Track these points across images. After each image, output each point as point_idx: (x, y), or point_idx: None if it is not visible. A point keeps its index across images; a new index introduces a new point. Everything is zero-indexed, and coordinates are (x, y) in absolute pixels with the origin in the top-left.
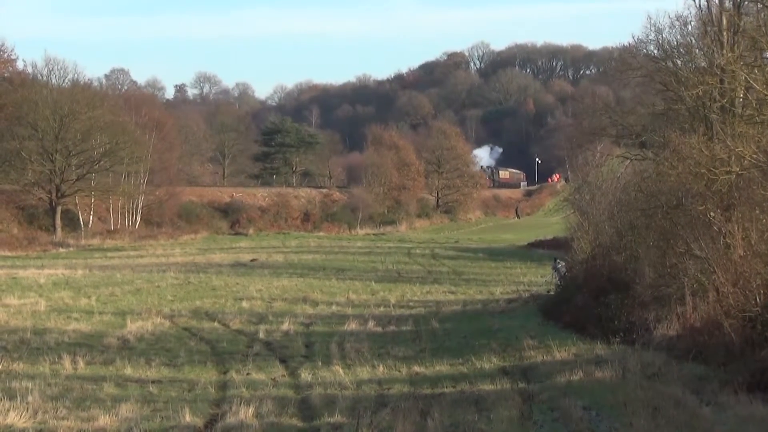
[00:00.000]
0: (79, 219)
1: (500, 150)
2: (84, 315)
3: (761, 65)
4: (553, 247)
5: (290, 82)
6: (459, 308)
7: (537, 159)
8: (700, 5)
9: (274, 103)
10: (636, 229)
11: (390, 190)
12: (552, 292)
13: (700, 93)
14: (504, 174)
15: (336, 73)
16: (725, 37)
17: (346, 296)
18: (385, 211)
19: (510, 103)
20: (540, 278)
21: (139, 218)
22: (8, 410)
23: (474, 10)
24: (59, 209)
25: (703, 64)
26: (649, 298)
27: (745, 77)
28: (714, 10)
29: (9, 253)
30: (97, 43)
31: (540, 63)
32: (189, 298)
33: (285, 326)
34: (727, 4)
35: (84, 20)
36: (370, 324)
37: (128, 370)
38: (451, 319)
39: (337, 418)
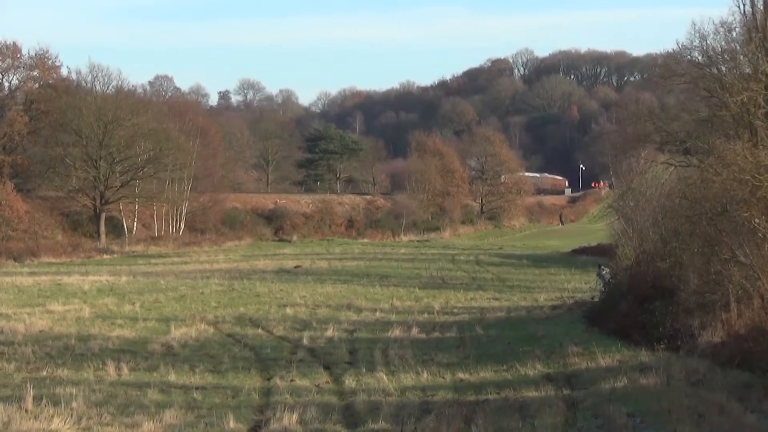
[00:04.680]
0: (123, 225)
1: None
2: (128, 321)
3: None
4: (598, 254)
5: (334, 89)
6: (503, 315)
7: (581, 165)
8: (744, 12)
9: (317, 110)
10: (680, 235)
11: (434, 197)
12: (596, 299)
13: (745, 99)
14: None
15: (380, 80)
16: None
17: (390, 303)
18: (429, 217)
19: (554, 110)
20: (584, 285)
21: (183, 225)
22: (53, 416)
23: (518, 17)
24: (103, 216)
25: (747, 71)
26: (694, 304)
27: None
28: (759, 17)
29: (54, 260)
30: (140, 50)
31: (584, 69)
32: (233, 304)
33: (329, 333)
34: None
35: (128, 27)
36: (414, 331)
37: (172, 377)
38: (495, 326)
39: (381, 425)
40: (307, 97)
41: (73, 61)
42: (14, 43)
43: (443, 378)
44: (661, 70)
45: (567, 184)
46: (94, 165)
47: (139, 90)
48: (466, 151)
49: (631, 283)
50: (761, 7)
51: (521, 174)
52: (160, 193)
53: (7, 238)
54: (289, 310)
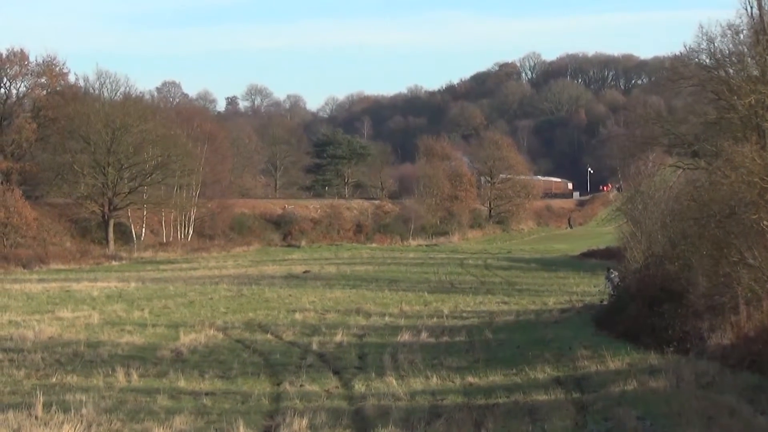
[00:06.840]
0: (131, 232)
1: None
2: (137, 328)
3: None
4: (606, 257)
5: (342, 94)
6: (512, 318)
7: (589, 169)
8: (752, 14)
9: (325, 115)
10: (689, 238)
11: (442, 201)
12: (605, 302)
13: (753, 101)
14: None
15: (387, 85)
16: None
17: (399, 307)
18: (438, 221)
19: (562, 113)
20: (593, 288)
21: (191, 231)
22: (62, 423)
23: (525, 20)
24: (112, 222)
25: (755, 73)
26: (703, 307)
27: None
28: (766, 19)
29: (62, 266)
30: (148, 57)
31: (591, 73)
32: (242, 310)
33: (338, 338)
34: None
35: (135, 34)
36: (424, 335)
37: (182, 383)
38: (505, 330)
39: (390, 429)
40: (314, 102)
41: (80, 68)
42: (22, 50)
43: (453, 382)
44: (668, 73)
45: (571, 186)
46: (103, 171)
47: (147, 96)
48: (475, 155)
49: (640, 286)
50: None
51: (519, 177)
52: (169, 199)
53: (16, 245)
54: (298, 316)
